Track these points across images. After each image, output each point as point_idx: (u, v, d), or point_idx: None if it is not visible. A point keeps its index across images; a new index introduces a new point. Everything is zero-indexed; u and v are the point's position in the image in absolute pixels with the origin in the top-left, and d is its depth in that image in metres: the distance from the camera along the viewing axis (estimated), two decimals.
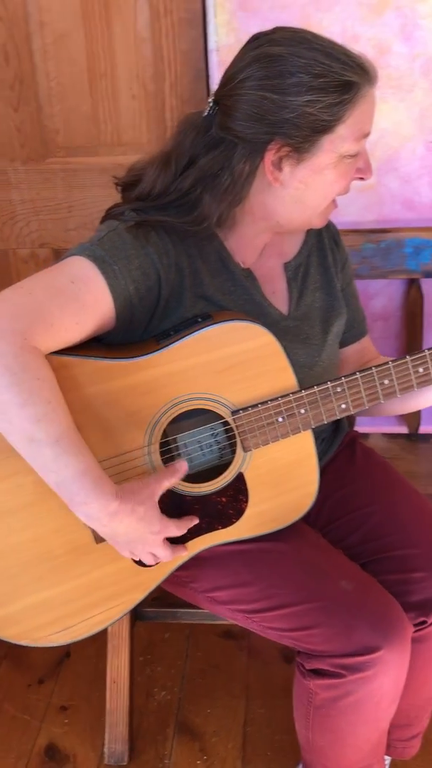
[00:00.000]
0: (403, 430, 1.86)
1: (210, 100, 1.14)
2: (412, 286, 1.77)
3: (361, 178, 1.18)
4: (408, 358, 1.16)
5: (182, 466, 1.11)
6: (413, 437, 1.84)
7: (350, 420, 1.78)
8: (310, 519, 1.29)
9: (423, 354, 1.16)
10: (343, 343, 1.39)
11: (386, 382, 1.17)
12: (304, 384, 1.17)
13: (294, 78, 1.06)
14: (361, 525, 1.31)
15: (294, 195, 1.15)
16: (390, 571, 1.25)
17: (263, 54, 1.08)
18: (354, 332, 1.41)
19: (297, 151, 1.10)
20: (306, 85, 1.06)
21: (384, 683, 1.14)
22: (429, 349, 1.16)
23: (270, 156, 1.11)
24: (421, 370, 1.17)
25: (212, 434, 1.18)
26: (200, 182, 1.13)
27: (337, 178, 1.14)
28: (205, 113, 1.14)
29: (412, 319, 1.79)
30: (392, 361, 1.17)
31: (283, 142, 1.09)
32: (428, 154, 1.71)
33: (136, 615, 1.62)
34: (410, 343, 1.81)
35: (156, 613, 1.66)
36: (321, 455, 1.38)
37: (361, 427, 1.87)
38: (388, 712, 1.21)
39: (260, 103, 1.07)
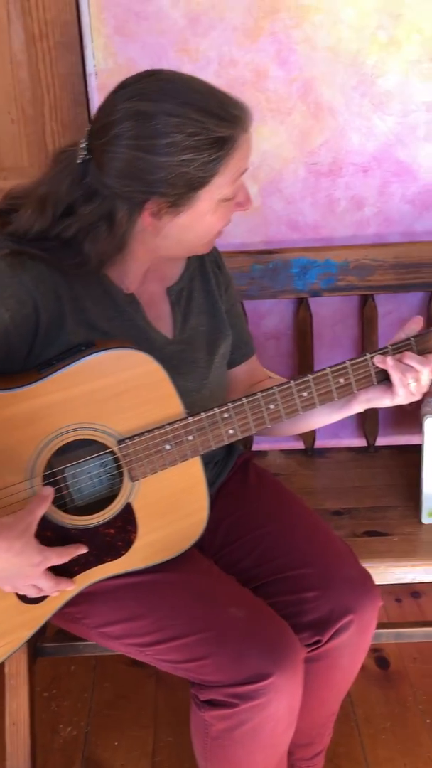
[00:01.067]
0: (300, 445, 1.88)
1: (83, 145, 1.11)
2: (301, 305, 1.80)
3: (242, 209, 1.20)
4: (292, 383, 1.18)
5: (48, 491, 1.09)
6: (309, 452, 1.86)
7: (245, 441, 1.78)
8: (204, 545, 1.28)
9: (306, 379, 1.18)
10: (231, 364, 1.40)
11: (272, 406, 1.18)
12: (193, 408, 1.17)
13: (167, 138, 1.05)
14: (255, 548, 1.31)
15: (176, 237, 1.16)
16: (284, 592, 1.25)
17: (134, 111, 1.07)
18: (241, 353, 1.42)
19: (175, 205, 1.11)
20: (179, 145, 1.05)
21: (278, 709, 1.14)
22: (312, 374, 1.19)
23: (148, 212, 1.11)
24: (305, 394, 1.19)
25: (100, 464, 1.16)
26: (81, 231, 1.12)
27: (218, 220, 1.16)
28: (79, 160, 1.12)
29: (303, 337, 1.82)
30: (277, 386, 1.18)
31: (159, 200, 1.10)
32: (309, 175, 1.74)
33: (36, 651, 1.58)
34: (302, 361, 1.83)
35: (57, 648, 1.62)
36: (214, 479, 1.38)
37: (259, 444, 1.88)
38: (286, 736, 1.22)
39: (135, 163, 1.07)
